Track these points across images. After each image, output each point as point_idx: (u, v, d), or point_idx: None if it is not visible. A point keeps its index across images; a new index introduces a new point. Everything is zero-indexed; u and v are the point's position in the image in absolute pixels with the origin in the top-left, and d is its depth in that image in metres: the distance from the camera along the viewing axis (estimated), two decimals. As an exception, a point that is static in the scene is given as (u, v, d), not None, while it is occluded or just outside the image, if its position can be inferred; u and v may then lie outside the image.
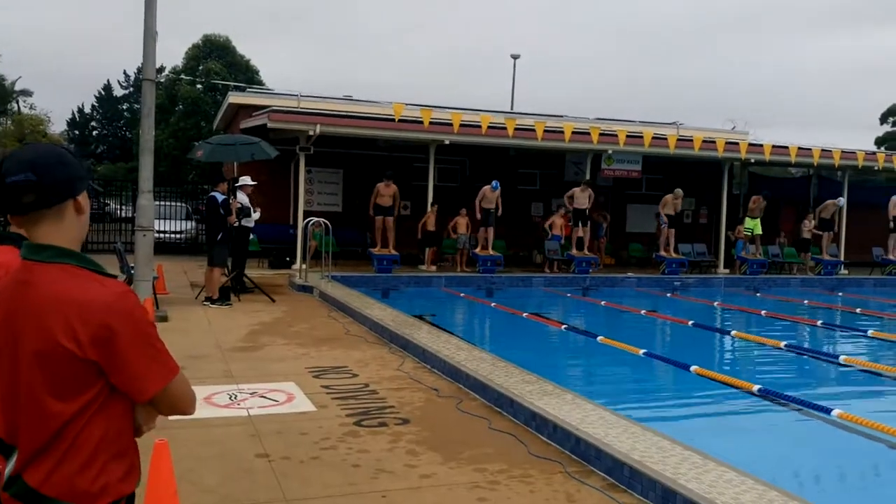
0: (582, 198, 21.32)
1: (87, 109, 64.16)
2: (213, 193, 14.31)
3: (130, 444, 2.28)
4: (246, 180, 15.47)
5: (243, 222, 14.97)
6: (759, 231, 23.08)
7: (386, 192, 19.76)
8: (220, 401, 7.53)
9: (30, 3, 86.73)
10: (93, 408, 2.14)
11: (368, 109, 22.22)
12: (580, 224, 21.44)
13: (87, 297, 2.10)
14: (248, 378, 8.51)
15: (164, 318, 11.89)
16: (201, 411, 7.08)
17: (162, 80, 42.09)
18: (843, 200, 24.50)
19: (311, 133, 18.89)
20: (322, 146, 20.34)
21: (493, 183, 20.35)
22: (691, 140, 22.06)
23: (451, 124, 19.74)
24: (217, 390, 7.91)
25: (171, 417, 2.39)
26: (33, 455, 2.14)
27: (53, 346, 2.08)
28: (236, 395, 7.75)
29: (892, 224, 24.50)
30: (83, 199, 2.24)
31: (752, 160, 23.68)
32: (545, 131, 20.61)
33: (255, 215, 15.53)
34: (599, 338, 11.95)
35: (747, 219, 23.44)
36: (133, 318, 2.13)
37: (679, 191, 22.27)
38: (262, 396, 7.74)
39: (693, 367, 9.76)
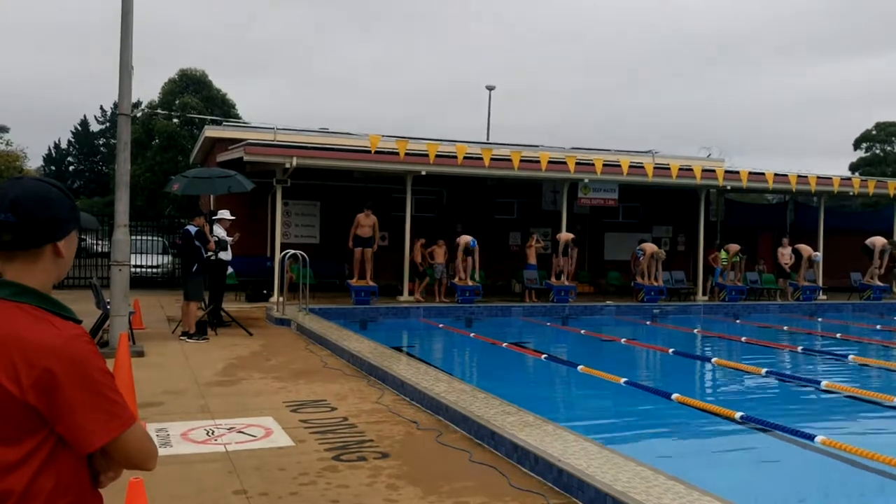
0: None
1: (64, 145, 63.98)
2: (187, 227, 14.28)
3: (87, 495, 2.11)
4: (224, 214, 15.41)
5: (220, 255, 14.90)
6: (735, 259, 23.39)
7: (366, 222, 19.71)
8: (197, 437, 7.41)
9: (5, 38, 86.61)
10: (40, 456, 1.99)
11: (344, 141, 22.27)
12: (561, 254, 21.46)
13: (33, 339, 1.97)
14: (226, 413, 8.39)
15: (140, 354, 11.74)
16: (178, 447, 6.98)
17: (138, 115, 42.03)
18: (818, 256, 24.57)
19: (287, 165, 18.83)
20: (299, 178, 20.30)
21: (471, 241, 20.38)
22: (668, 168, 22.17)
23: (427, 155, 19.75)
24: (194, 426, 7.79)
25: None
26: None
27: None
28: (213, 431, 7.63)
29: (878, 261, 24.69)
30: (65, 243, 2.14)
31: (729, 187, 23.80)
32: (521, 161, 20.65)
33: (230, 241, 15.41)
34: (580, 367, 11.89)
35: (723, 251, 23.61)
36: (80, 365, 1.98)
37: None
38: (240, 432, 7.63)
39: (675, 396, 9.73)
